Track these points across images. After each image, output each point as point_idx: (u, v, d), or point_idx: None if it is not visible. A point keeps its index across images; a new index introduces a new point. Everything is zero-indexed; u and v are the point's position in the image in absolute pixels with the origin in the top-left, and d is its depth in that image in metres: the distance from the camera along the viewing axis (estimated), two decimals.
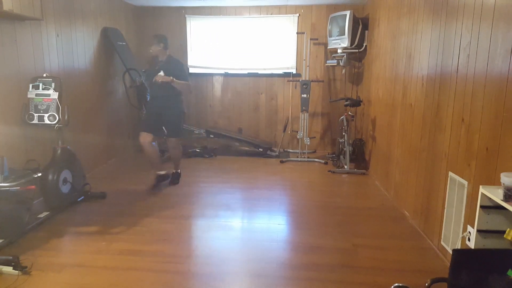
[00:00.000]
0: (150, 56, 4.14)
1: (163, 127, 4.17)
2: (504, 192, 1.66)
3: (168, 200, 3.88)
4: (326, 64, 5.85)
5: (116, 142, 5.38)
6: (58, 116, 3.39)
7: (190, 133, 6.06)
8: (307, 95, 5.39)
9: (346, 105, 5.11)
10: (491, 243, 1.81)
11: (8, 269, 2.43)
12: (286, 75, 5.98)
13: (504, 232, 1.69)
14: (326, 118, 6.11)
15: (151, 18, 6.06)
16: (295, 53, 5.93)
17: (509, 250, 1.75)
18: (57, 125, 3.42)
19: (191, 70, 6.15)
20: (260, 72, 6.05)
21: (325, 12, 5.77)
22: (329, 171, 4.99)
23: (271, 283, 2.41)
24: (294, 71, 5.96)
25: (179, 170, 4.44)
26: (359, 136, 5.53)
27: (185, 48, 6.08)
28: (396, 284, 2.29)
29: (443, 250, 2.72)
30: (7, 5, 2.89)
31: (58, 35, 3.95)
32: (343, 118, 5.09)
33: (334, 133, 6.07)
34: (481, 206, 1.80)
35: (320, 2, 5.63)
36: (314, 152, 6.08)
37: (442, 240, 2.74)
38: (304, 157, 5.61)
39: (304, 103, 5.43)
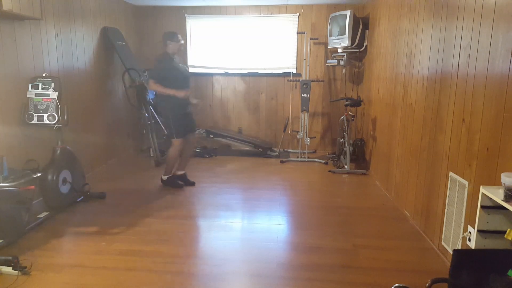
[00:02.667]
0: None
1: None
2: (505, 192, 1.65)
3: (168, 200, 3.87)
4: (327, 64, 5.84)
5: (116, 142, 5.38)
6: (58, 116, 3.38)
7: None
8: (307, 95, 5.39)
9: (346, 105, 5.11)
10: (491, 243, 1.80)
11: (8, 269, 2.43)
12: (286, 74, 5.98)
13: (504, 232, 1.69)
14: (326, 118, 6.10)
15: (151, 18, 6.05)
16: (295, 53, 5.92)
17: (510, 250, 1.75)
18: (56, 125, 3.42)
19: (191, 70, 6.15)
20: (260, 71, 6.04)
21: (325, 11, 5.76)
22: (329, 171, 4.98)
23: (271, 283, 2.41)
24: (294, 71, 5.96)
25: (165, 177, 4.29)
26: (360, 136, 5.52)
27: (185, 48, 6.07)
28: (397, 285, 2.29)
29: (444, 250, 2.72)
30: (7, 5, 2.89)
31: (57, 35, 3.95)
32: (343, 118, 5.08)
33: (334, 133, 6.06)
34: (482, 206, 1.79)
35: (320, 2, 5.63)
36: (314, 152, 6.08)
37: (442, 240, 2.73)
38: (304, 157, 5.60)
39: (304, 103, 5.42)
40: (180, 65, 4.13)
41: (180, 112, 4.04)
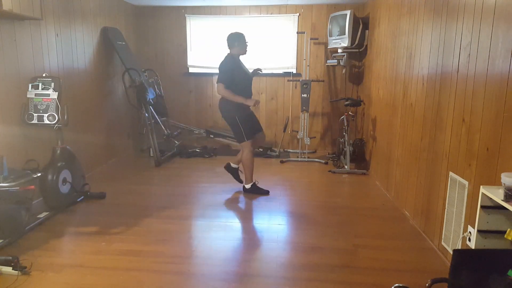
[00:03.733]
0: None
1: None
2: (505, 192, 1.65)
3: (168, 200, 3.87)
4: (327, 64, 5.84)
5: (115, 142, 5.38)
6: (58, 116, 3.38)
7: (190, 133, 6.06)
8: (307, 95, 5.39)
9: (346, 105, 5.11)
10: (491, 243, 1.80)
11: (8, 269, 2.43)
12: (286, 74, 5.98)
13: (504, 232, 1.69)
14: (326, 118, 6.10)
15: (151, 18, 6.05)
16: (295, 53, 5.92)
17: (510, 250, 1.75)
18: (56, 125, 3.42)
19: (191, 70, 6.15)
20: (260, 71, 6.03)
21: (325, 11, 5.76)
22: (329, 171, 4.98)
23: (271, 283, 2.41)
24: (294, 71, 5.96)
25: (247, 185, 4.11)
26: (360, 136, 5.52)
27: (185, 48, 6.08)
28: (397, 285, 2.29)
29: (444, 250, 2.72)
30: (7, 5, 2.88)
31: (57, 35, 3.95)
32: (343, 118, 5.08)
33: (334, 133, 6.06)
34: (482, 206, 1.79)
35: (320, 2, 5.62)
36: (315, 152, 6.08)
37: (442, 240, 2.73)
38: (304, 157, 5.60)
39: (304, 103, 5.42)
40: (245, 67, 4.04)
41: (244, 114, 3.97)
